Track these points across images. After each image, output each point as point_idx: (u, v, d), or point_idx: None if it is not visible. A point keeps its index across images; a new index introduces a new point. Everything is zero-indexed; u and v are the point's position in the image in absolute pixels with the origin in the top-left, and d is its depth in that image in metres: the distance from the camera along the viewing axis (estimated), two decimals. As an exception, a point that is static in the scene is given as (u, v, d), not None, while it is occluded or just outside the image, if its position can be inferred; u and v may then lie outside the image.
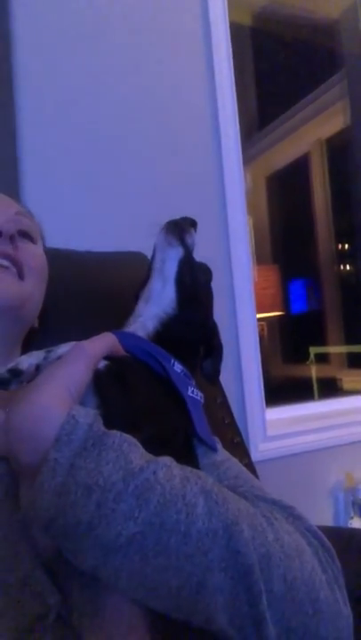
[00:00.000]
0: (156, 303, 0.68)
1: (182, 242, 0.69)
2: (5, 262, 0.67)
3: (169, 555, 0.42)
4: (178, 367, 0.63)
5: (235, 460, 0.65)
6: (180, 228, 0.70)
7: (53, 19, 1.45)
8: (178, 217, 0.73)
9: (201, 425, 0.61)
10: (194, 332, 0.71)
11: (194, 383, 0.65)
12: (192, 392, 0.62)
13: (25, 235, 0.72)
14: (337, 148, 3.17)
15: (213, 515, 0.44)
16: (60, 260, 0.90)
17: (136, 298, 0.73)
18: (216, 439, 0.66)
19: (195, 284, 0.70)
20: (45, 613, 0.46)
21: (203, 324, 0.73)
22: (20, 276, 0.68)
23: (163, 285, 0.68)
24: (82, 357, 0.52)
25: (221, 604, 0.43)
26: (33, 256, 0.72)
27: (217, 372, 0.76)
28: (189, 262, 0.69)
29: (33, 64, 1.41)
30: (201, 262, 0.72)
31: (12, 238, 0.67)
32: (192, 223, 0.72)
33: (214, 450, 0.63)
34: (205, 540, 0.43)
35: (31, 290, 0.70)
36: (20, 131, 1.38)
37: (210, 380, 0.76)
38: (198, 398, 0.63)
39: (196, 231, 0.72)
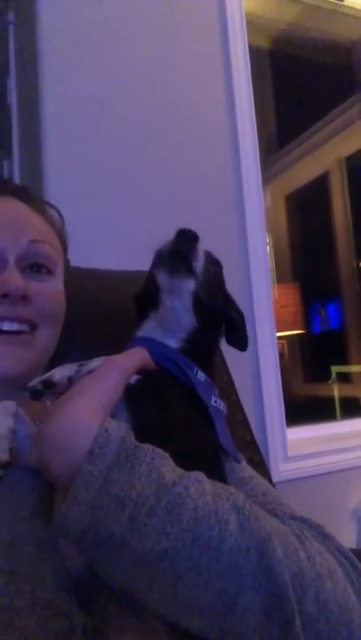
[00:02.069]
0: (174, 329, 0.64)
1: (191, 272, 0.62)
2: (15, 326, 0.63)
3: (200, 571, 0.41)
4: (201, 376, 0.62)
5: (261, 478, 0.64)
6: (185, 258, 0.61)
7: (77, 41, 1.50)
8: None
9: (224, 436, 0.60)
10: (216, 330, 0.69)
11: (217, 392, 0.64)
12: (215, 402, 0.61)
13: (40, 268, 0.67)
14: (356, 167, 3.17)
15: (246, 532, 0.44)
16: (86, 279, 0.91)
17: (140, 312, 0.69)
18: (241, 456, 0.65)
19: (211, 301, 0.65)
20: (71, 630, 0.46)
21: (222, 315, 0.69)
22: (34, 330, 0.65)
23: (177, 318, 0.64)
24: (114, 371, 0.52)
25: (254, 623, 0.42)
26: (48, 300, 0.67)
27: (245, 338, 0.71)
28: (202, 287, 0.63)
29: (59, 87, 1.46)
30: (206, 253, 0.66)
31: (22, 297, 0.62)
32: (194, 239, 0.63)
33: (238, 461, 0.62)
34: (237, 558, 0.42)
35: (44, 343, 0.66)
36: (44, 146, 1.42)
37: (240, 347, 0.72)
38: (221, 408, 0.63)
39: (199, 242, 0.63)
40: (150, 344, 0.61)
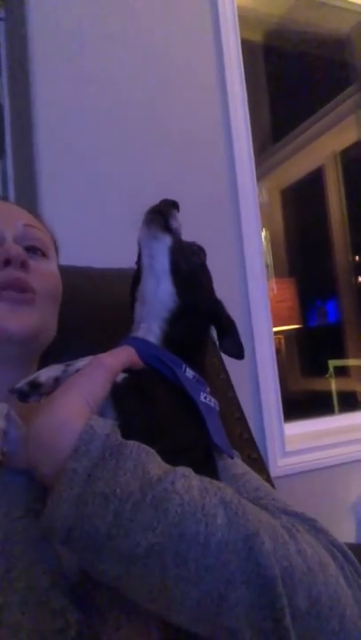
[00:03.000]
0: (156, 303, 0.63)
1: (168, 229, 0.64)
2: (17, 293, 0.64)
3: (189, 566, 0.41)
4: (190, 373, 0.62)
5: (254, 473, 0.64)
6: (162, 215, 0.64)
7: (69, 37, 1.49)
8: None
9: (216, 432, 0.60)
10: (201, 318, 0.67)
11: (208, 390, 0.64)
12: (205, 398, 0.61)
13: (35, 250, 0.70)
14: (351, 161, 3.17)
15: (233, 526, 0.43)
16: (79, 277, 0.90)
17: (131, 300, 0.69)
18: (236, 453, 0.65)
19: (191, 270, 0.65)
20: (65, 629, 0.46)
21: (208, 306, 0.68)
22: (33, 301, 0.66)
23: (157, 282, 0.63)
24: (100, 370, 0.52)
25: (244, 618, 0.42)
26: (45, 276, 0.69)
27: (240, 345, 0.70)
28: (181, 248, 0.64)
29: (51, 84, 1.45)
30: (191, 242, 0.68)
31: (23, 264, 0.65)
32: (173, 204, 0.66)
33: (230, 456, 0.62)
34: (225, 552, 0.42)
35: (44, 315, 0.68)
36: (37, 145, 1.41)
37: (236, 355, 0.70)
38: (212, 405, 0.62)
39: (178, 211, 0.66)
40: (137, 342, 0.61)
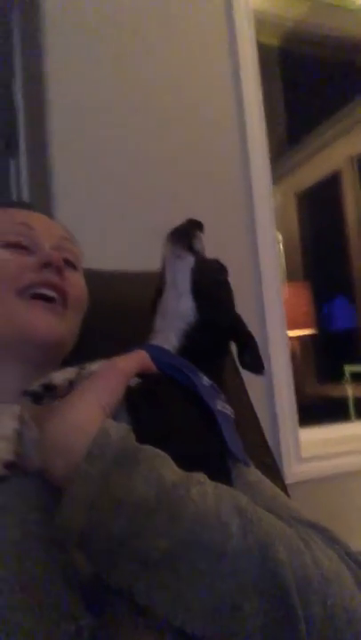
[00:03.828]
0: (176, 317, 0.65)
1: (191, 249, 0.66)
2: (53, 293, 0.67)
3: (202, 574, 0.41)
4: (206, 381, 0.62)
5: (269, 482, 0.64)
6: (187, 235, 0.67)
7: (84, 37, 1.50)
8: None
9: (232, 440, 0.59)
10: (220, 333, 0.68)
11: (223, 397, 0.64)
12: (222, 406, 0.61)
13: (69, 262, 0.73)
14: (368, 164, 3.14)
15: (248, 534, 0.43)
16: (92, 280, 0.90)
17: (153, 310, 0.70)
18: (249, 461, 0.64)
19: (212, 288, 0.67)
20: (78, 633, 0.46)
21: (228, 322, 0.70)
22: (65, 307, 0.69)
23: (178, 299, 0.65)
24: (114, 374, 0.52)
25: (258, 627, 0.41)
26: (77, 287, 0.73)
27: (259, 359, 0.70)
28: (202, 269, 0.66)
29: (65, 84, 1.46)
30: (213, 260, 0.69)
31: (59, 270, 0.67)
32: (198, 225, 0.69)
33: (247, 464, 0.62)
34: (240, 560, 0.42)
35: (70, 325, 0.70)
36: (50, 146, 1.42)
37: (256, 370, 0.70)
38: (228, 412, 0.62)
39: (203, 232, 0.69)
40: (152, 349, 0.61)
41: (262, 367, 0.69)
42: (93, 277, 0.99)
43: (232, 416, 0.63)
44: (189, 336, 0.64)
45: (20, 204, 0.90)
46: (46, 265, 0.66)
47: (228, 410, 0.63)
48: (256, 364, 0.70)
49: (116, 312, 0.92)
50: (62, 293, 0.68)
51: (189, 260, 0.66)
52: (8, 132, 1.82)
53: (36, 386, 0.55)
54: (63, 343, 0.69)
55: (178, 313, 0.65)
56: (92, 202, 1.43)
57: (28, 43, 1.64)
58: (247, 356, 0.70)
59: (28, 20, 1.58)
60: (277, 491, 0.62)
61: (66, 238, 0.74)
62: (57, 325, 0.66)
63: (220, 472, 0.57)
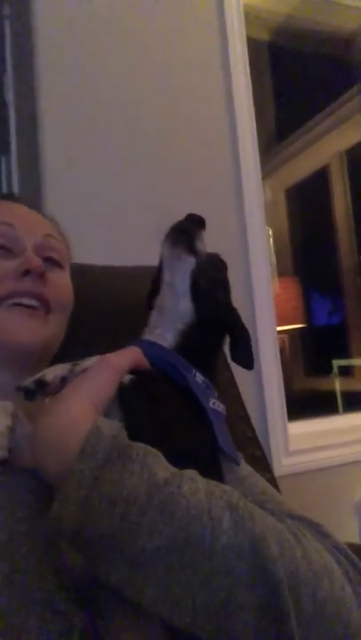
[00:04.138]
0: (173, 316, 0.64)
1: (192, 250, 0.63)
2: (34, 302, 0.66)
3: (194, 570, 0.41)
4: (199, 378, 0.62)
5: (259, 476, 0.64)
6: (188, 235, 0.63)
7: (74, 35, 1.49)
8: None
9: (223, 437, 0.60)
10: (216, 330, 0.67)
11: (216, 395, 0.64)
12: (213, 404, 0.61)
13: (53, 261, 0.71)
14: (357, 160, 3.15)
15: (239, 530, 0.43)
16: (83, 275, 0.90)
17: (148, 305, 0.69)
18: (240, 454, 0.65)
19: (211, 288, 0.65)
20: (70, 630, 0.46)
21: (225, 319, 0.68)
22: (47, 312, 0.68)
23: (176, 299, 0.63)
24: (107, 371, 0.52)
25: (249, 622, 0.42)
26: (60, 288, 0.72)
27: (250, 355, 0.70)
28: (203, 270, 0.63)
29: (56, 81, 1.44)
30: (213, 255, 0.67)
31: (40, 276, 0.66)
32: (200, 222, 0.64)
33: (237, 463, 0.62)
34: (231, 556, 0.42)
35: (55, 328, 0.70)
36: (42, 143, 1.41)
37: (246, 365, 0.70)
38: (220, 410, 0.62)
39: (205, 229, 0.65)
40: (146, 345, 0.61)
41: (253, 362, 0.70)
42: (86, 273, 0.99)
43: (223, 413, 0.63)
44: (186, 335, 0.63)
45: (2, 196, 0.88)
46: (26, 272, 0.65)
47: (220, 407, 0.63)
48: (248, 358, 0.70)
49: (108, 307, 0.92)
50: (44, 300, 0.67)
51: (190, 262, 0.63)
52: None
53: (28, 382, 0.55)
54: (48, 346, 0.69)
55: (176, 313, 0.63)
56: (83, 198, 1.43)
57: (20, 39, 1.62)
58: (240, 351, 0.70)
59: (20, 17, 1.56)
60: (267, 485, 0.63)
61: (50, 235, 0.72)
62: (39, 331, 0.66)
63: (212, 468, 0.57)
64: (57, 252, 0.73)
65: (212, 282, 0.65)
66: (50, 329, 0.68)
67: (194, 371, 0.62)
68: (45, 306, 0.68)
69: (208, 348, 0.67)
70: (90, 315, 0.90)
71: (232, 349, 0.70)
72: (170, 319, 0.64)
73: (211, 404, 0.61)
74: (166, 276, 0.64)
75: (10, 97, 1.71)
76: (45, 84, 1.44)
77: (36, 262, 0.66)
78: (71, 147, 1.45)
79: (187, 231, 0.63)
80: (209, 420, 0.58)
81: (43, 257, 0.69)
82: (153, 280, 0.70)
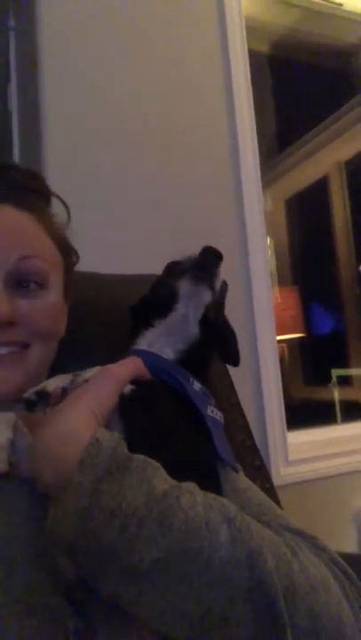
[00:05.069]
0: (177, 338, 0.65)
1: (211, 287, 0.65)
2: (4, 350, 0.61)
3: (191, 582, 0.41)
4: (197, 386, 0.63)
5: (257, 489, 0.64)
6: (210, 274, 0.65)
7: (78, 46, 1.50)
8: (201, 247, 0.66)
9: (221, 445, 0.60)
10: (214, 346, 0.70)
11: (214, 402, 0.65)
12: (212, 412, 0.62)
13: (31, 282, 0.64)
14: (356, 170, 3.17)
15: (236, 543, 0.43)
16: (86, 283, 0.90)
17: (143, 320, 0.69)
18: (238, 466, 0.65)
19: (218, 317, 0.68)
20: (66, 636, 0.46)
21: (223, 336, 0.72)
22: (25, 347, 0.63)
23: (185, 326, 0.65)
24: (108, 381, 0.52)
25: (245, 636, 0.42)
26: (40, 314, 0.64)
27: (237, 354, 0.73)
28: (216, 305, 0.67)
29: (59, 91, 1.46)
30: (222, 285, 0.70)
31: (9, 323, 0.60)
32: (220, 259, 0.66)
33: (235, 470, 0.62)
34: (228, 569, 0.42)
35: (39, 355, 0.65)
36: (45, 154, 1.42)
37: (234, 362, 0.74)
38: (218, 418, 0.63)
39: (222, 262, 0.67)
40: (145, 355, 0.61)
41: (239, 360, 0.73)
42: (90, 281, 1.00)
43: (221, 421, 0.64)
44: (186, 352, 0.65)
45: None
46: None
47: (218, 415, 0.63)
48: (235, 357, 0.73)
49: (114, 316, 0.92)
50: (17, 344, 0.62)
51: (207, 297, 0.65)
52: (2, 138, 1.82)
53: (29, 393, 0.55)
54: (29, 384, 0.61)
55: (181, 336, 0.65)
56: (85, 206, 1.43)
57: (24, 47, 1.64)
58: (227, 350, 0.73)
59: (25, 29, 1.58)
60: (265, 497, 0.63)
61: (27, 256, 0.63)
62: (12, 378, 0.61)
63: (210, 480, 0.57)
64: (35, 273, 0.64)
65: (218, 309, 0.69)
66: (28, 364, 0.63)
67: (192, 379, 0.62)
68: (19, 346, 0.63)
69: (205, 361, 0.70)
70: (97, 322, 0.90)
71: (221, 349, 0.73)
72: (174, 340, 0.65)
73: (209, 411, 0.61)
74: (181, 308, 0.65)
75: (13, 106, 1.73)
76: (49, 94, 1.45)
77: (2, 312, 0.59)
78: (74, 156, 1.46)
79: (209, 270, 0.65)
80: (207, 428, 0.59)
81: (18, 280, 0.63)
82: (152, 297, 0.70)
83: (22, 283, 0.63)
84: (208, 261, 0.65)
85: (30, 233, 0.67)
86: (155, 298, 0.70)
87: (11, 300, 0.61)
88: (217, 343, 0.71)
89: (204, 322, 0.65)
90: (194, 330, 0.65)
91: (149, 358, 0.61)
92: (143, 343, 0.67)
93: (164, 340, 0.66)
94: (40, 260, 0.65)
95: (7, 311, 0.59)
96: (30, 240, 0.66)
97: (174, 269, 0.68)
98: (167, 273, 0.70)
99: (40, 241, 0.68)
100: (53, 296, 0.67)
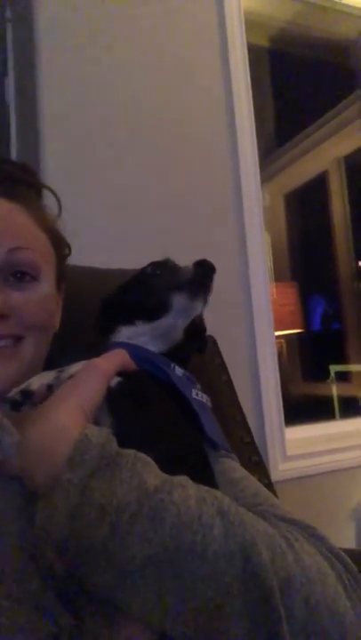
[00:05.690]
0: (163, 340, 0.67)
1: (205, 301, 0.67)
2: None
3: (185, 577, 0.41)
4: (179, 371, 0.63)
5: (253, 478, 0.64)
6: (206, 290, 0.66)
7: (76, 38, 1.49)
8: (198, 254, 0.67)
9: (211, 427, 0.60)
10: (193, 344, 0.72)
11: (198, 386, 0.65)
12: (197, 394, 0.62)
13: (23, 275, 0.64)
14: (355, 166, 3.17)
15: (230, 536, 0.43)
16: (82, 278, 0.90)
17: (120, 314, 0.70)
18: (234, 456, 0.65)
19: (202, 321, 0.72)
20: (58, 633, 0.45)
21: (203, 334, 0.76)
22: (18, 340, 0.63)
23: (172, 332, 0.67)
24: (94, 375, 0.52)
25: (240, 630, 0.41)
26: (32, 306, 0.64)
27: (205, 344, 0.79)
28: (201, 312, 0.69)
29: (57, 85, 1.45)
30: None
31: (2, 317, 0.60)
32: (214, 272, 0.67)
33: (226, 450, 0.62)
34: (222, 563, 0.42)
35: (33, 348, 0.64)
36: (43, 146, 1.41)
37: (201, 351, 0.78)
38: (204, 401, 0.63)
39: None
40: (126, 346, 0.61)
41: (205, 349, 0.80)
42: (87, 275, 0.99)
43: (208, 404, 0.64)
44: (168, 350, 0.67)
45: None
46: None
47: (204, 397, 0.63)
48: (203, 347, 0.78)
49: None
50: (10, 336, 0.62)
51: (199, 309, 0.67)
52: (-1, 130, 1.81)
53: (13, 393, 0.55)
54: (22, 378, 0.61)
55: (165, 339, 0.67)
56: (84, 202, 1.43)
57: (21, 38, 1.63)
58: (200, 345, 0.77)
59: (22, 20, 1.57)
60: (261, 487, 0.62)
61: (18, 248, 0.63)
62: (4, 373, 0.60)
63: (203, 471, 0.57)
64: (27, 264, 0.64)
65: (202, 321, 0.72)
66: (21, 357, 0.63)
67: (173, 364, 0.63)
68: (12, 338, 0.62)
69: (185, 356, 0.71)
70: (92, 316, 0.89)
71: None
72: (156, 341, 0.67)
73: (194, 394, 0.61)
74: (170, 319, 0.66)
75: (11, 99, 1.72)
76: (46, 87, 1.44)
77: None
78: (72, 148, 1.45)
79: (205, 284, 0.66)
80: (194, 412, 0.59)
81: (9, 273, 0.63)
82: (135, 299, 0.70)
83: (14, 275, 0.63)
84: (204, 277, 0.65)
85: (21, 225, 0.66)
86: (138, 301, 0.69)
87: (2, 293, 0.60)
88: (196, 341, 0.73)
89: (192, 327, 0.68)
90: (179, 335, 0.67)
91: (132, 350, 0.61)
92: (122, 338, 0.67)
93: (145, 339, 0.66)
94: (31, 252, 0.65)
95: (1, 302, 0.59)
96: (21, 232, 0.65)
97: (164, 277, 0.68)
98: (153, 277, 0.70)
99: (31, 233, 0.67)
100: (46, 288, 0.67)
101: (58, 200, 0.77)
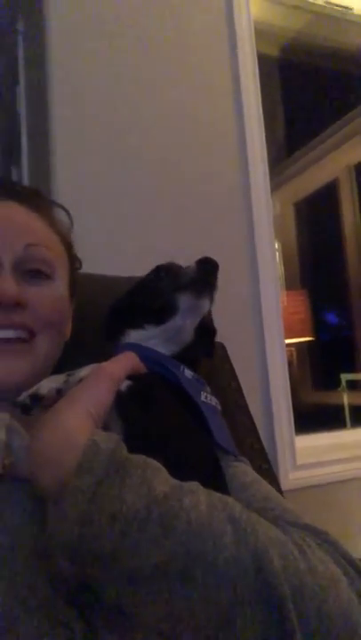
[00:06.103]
0: (173, 342, 0.67)
1: (211, 298, 0.67)
2: (10, 333, 0.61)
3: (195, 585, 0.40)
4: (188, 373, 0.63)
5: (264, 481, 0.63)
6: (211, 288, 0.66)
7: (86, 50, 1.51)
8: (202, 253, 0.66)
9: (219, 432, 0.59)
10: (204, 342, 0.72)
11: (208, 389, 0.65)
12: (206, 397, 0.62)
13: (39, 273, 0.65)
14: (366, 174, 3.17)
15: (241, 543, 0.42)
16: (92, 284, 0.91)
17: (128, 319, 0.70)
18: (245, 459, 0.64)
19: (211, 325, 0.72)
20: (71, 638, 0.45)
21: (213, 335, 0.75)
22: (32, 336, 0.63)
23: (184, 333, 0.67)
24: (104, 380, 0.51)
25: (252, 638, 0.41)
26: (47, 303, 0.65)
27: (213, 347, 0.79)
28: (210, 309, 0.69)
29: (67, 95, 1.47)
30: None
31: (18, 304, 0.61)
32: (217, 269, 0.67)
33: (234, 455, 0.61)
34: (233, 571, 0.41)
35: (46, 346, 0.64)
36: (53, 155, 1.43)
37: (209, 355, 0.77)
38: (213, 404, 0.62)
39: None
40: (136, 348, 0.62)
41: (213, 353, 0.79)
42: (96, 282, 1.00)
43: (218, 407, 0.63)
44: (178, 352, 0.67)
45: None
46: None
47: (213, 401, 0.63)
48: (210, 351, 0.77)
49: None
50: (23, 328, 0.62)
51: (206, 307, 0.67)
52: (10, 140, 1.84)
53: (23, 397, 0.54)
54: (35, 372, 0.62)
55: (175, 341, 0.67)
56: (94, 209, 1.44)
57: (32, 49, 1.65)
58: (206, 345, 0.75)
59: (33, 32, 1.59)
60: (272, 491, 0.61)
61: (33, 245, 0.65)
62: (16, 367, 0.61)
63: (215, 476, 0.57)
64: (43, 262, 0.66)
65: (211, 320, 0.72)
66: (35, 354, 0.63)
67: (182, 367, 0.63)
68: (27, 331, 0.62)
69: (196, 358, 0.71)
70: (96, 324, 0.90)
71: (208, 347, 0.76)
72: (167, 344, 0.67)
73: (203, 397, 0.61)
74: (179, 320, 0.66)
75: (22, 109, 1.75)
76: (57, 97, 1.46)
77: (8, 291, 0.59)
78: (82, 158, 1.47)
79: (210, 284, 0.66)
80: (203, 416, 0.58)
81: (26, 269, 0.64)
82: (142, 302, 0.70)
83: (31, 272, 0.65)
84: (208, 274, 0.65)
85: (35, 225, 0.68)
86: (145, 305, 0.69)
87: (19, 285, 0.62)
88: (206, 342, 0.74)
89: (201, 326, 0.68)
90: (189, 336, 0.67)
91: (142, 351, 0.61)
92: (135, 338, 0.68)
93: (156, 342, 0.67)
94: (46, 250, 0.67)
95: (15, 291, 0.60)
96: (35, 231, 0.68)
97: (169, 279, 0.68)
98: (158, 280, 0.70)
99: (47, 235, 0.69)
100: (60, 288, 0.69)
101: (69, 216, 0.79)
